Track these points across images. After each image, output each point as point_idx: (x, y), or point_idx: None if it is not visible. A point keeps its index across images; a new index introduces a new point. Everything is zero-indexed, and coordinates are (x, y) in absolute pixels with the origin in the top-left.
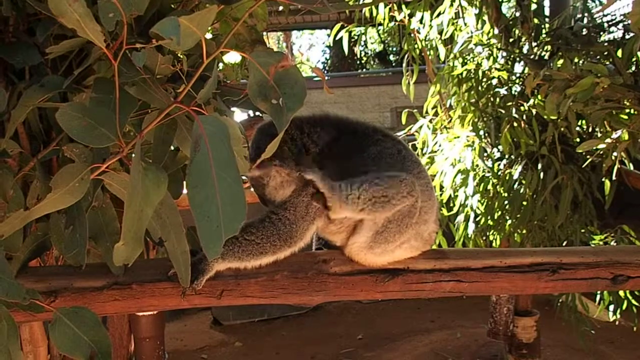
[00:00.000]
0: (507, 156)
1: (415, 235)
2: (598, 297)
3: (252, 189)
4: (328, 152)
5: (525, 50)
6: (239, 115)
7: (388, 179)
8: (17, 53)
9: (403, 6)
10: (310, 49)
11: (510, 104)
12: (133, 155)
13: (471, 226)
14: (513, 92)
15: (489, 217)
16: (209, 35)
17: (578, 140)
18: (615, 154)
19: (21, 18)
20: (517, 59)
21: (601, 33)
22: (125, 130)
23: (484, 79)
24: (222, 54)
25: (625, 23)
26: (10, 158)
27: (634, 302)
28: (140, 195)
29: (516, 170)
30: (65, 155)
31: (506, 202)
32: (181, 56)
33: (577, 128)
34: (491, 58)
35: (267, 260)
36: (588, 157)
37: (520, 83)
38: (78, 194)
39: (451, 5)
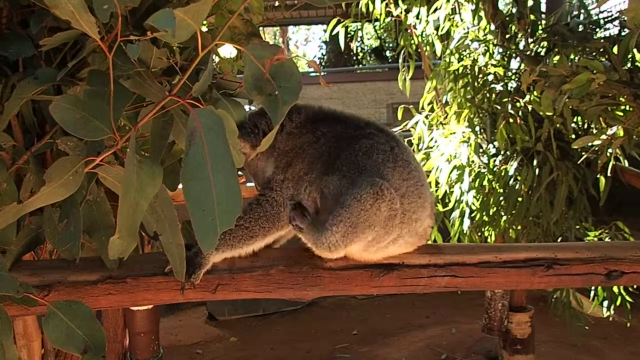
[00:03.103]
0: (502, 152)
1: (410, 232)
2: (592, 293)
3: (247, 184)
4: (315, 137)
5: (521, 46)
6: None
7: (351, 204)
8: (10, 45)
9: (400, 2)
10: (306, 44)
11: (506, 100)
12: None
13: (466, 222)
14: (509, 88)
15: (484, 213)
16: (204, 29)
17: (573, 136)
18: (610, 150)
19: (15, 10)
20: (513, 55)
21: (597, 29)
22: (120, 124)
23: (480, 75)
24: (217, 46)
25: (622, 19)
26: (3, 151)
27: (627, 298)
28: (135, 188)
29: (511, 167)
30: (59, 148)
31: (501, 198)
32: (175, 49)
33: (573, 124)
34: (487, 54)
35: (258, 244)
36: (583, 153)
37: (516, 79)
38: (72, 188)
39: (448, 1)
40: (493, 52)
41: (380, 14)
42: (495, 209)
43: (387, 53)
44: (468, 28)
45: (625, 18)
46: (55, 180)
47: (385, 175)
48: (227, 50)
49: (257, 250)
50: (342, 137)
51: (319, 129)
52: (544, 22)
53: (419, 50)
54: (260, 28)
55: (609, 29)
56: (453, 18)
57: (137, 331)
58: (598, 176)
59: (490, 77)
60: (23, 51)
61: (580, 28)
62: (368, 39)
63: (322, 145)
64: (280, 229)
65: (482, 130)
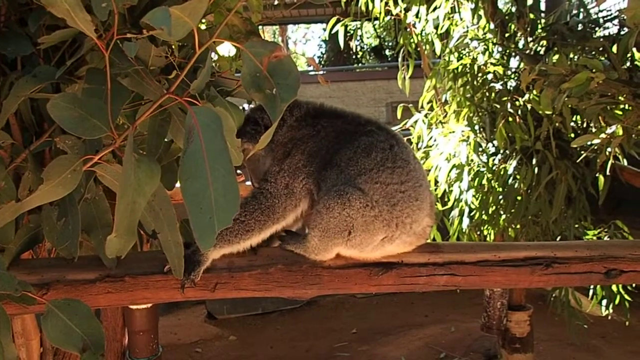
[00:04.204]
0: (501, 151)
1: (406, 232)
2: (591, 291)
3: (246, 183)
4: (315, 130)
5: (520, 45)
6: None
7: (321, 210)
8: (8, 43)
9: (399, 0)
10: (306, 42)
11: (505, 98)
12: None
13: (465, 221)
14: (508, 87)
15: (483, 212)
16: (203, 27)
17: (572, 135)
18: (609, 149)
19: (13, 8)
20: (513, 53)
21: (597, 28)
22: (118, 123)
23: (480, 74)
24: (215, 44)
25: (621, 18)
26: (1, 149)
27: (626, 296)
28: (133, 187)
29: (511, 165)
30: (57, 146)
31: (500, 197)
32: (175, 46)
33: (572, 123)
34: (487, 53)
35: (256, 239)
36: (582, 152)
37: (516, 78)
38: (70, 186)
39: None
40: (492, 51)
41: (380, 13)
42: (494, 207)
43: (387, 52)
44: (467, 27)
45: (625, 17)
46: (53, 179)
47: (378, 179)
48: (226, 49)
49: (255, 246)
50: (342, 132)
51: (319, 123)
52: (543, 20)
53: (419, 49)
54: (260, 27)
55: (608, 27)
56: (452, 17)
57: (136, 330)
58: (597, 175)
59: (490, 76)
60: (21, 49)
61: (580, 27)
62: (367, 37)
63: (322, 139)
64: (276, 222)
65: (481, 129)
